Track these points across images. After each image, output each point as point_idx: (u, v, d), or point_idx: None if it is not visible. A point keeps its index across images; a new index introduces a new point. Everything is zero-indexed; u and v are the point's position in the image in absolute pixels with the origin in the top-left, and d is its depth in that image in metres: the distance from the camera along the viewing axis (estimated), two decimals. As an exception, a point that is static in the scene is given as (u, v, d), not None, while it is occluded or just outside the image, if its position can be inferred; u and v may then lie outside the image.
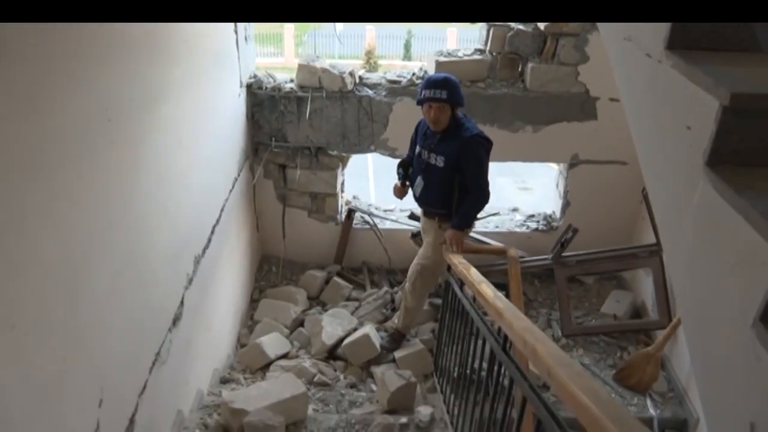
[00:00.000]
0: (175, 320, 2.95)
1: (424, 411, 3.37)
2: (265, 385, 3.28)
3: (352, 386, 3.84)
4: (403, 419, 3.32)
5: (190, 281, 3.18)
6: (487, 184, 3.54)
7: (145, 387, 2.57)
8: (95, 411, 2.12)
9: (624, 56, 1.70)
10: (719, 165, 1.24)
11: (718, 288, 1.23)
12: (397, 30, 22.70)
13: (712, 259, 1.25)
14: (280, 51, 21.53)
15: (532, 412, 1.69)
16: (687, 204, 1.34)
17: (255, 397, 3.13)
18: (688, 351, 1.40)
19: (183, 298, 3.05)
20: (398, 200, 4.06)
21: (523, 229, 5.12)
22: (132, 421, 2.44)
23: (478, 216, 3.86)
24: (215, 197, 3.70)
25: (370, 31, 20.83)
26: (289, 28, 21.55)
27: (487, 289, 2.15)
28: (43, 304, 1.74)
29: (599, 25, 2.00)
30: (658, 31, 1.45)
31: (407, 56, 21.89)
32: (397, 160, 3.98)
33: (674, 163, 1.40)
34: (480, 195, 3.52)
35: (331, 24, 24.33)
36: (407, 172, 3.80)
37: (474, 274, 2.57)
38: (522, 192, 10.77)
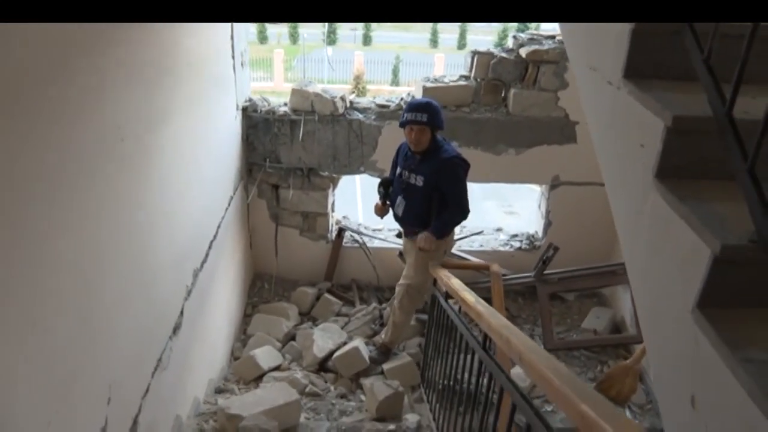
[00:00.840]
0: (176, 329, 3.10)
1: (411, 418, 3.53)
2: (260, 393, 3.43)
3: (342, 396, 3.99)
4: (391, 426, 3.46)
5: (189, 293, 3.33)
6: (466, 202, 3.73)
7: (147, 390, 2.71)
8: (104, 408, 2.26)
9: (589, 83, 1.92)
10: (666, 178, 1.45)
11: (667, 283, 1.42)
12: (386, 55, 23.15)
13: (663, 258, 1.45)
14: (270, 75, 21.87)
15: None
16: (641, 212, 1.54)
17: (250, 403, 3.27)
18: (645, 341, 1.59)
19: (183, 309, 3.21)
20: (381, 219, 4.24)
21: (507, 248, 5.32)
22: (135, 421, 2.57)
23: (462, 233, 4.05)
24: (213, 214, 3.87)
25: (359, 56, 21.22)
26: (278, 53, 21.92)
27: (468, 295, 2.34)
28: (61, 306, 1.90)
29: (569, 55, 2.22)
30: (617, 61, 1.67)
31: (395, 81, 22.31)
32: (385, 181, 4.17)
33: (631, 177, 1.61)
34: (459, 211, 3.72)
35: (321, 49, 24.75)
36: (387, 191, 3.97)
37: (456, 283, 2.76)
38: (508, 216, 10.98)
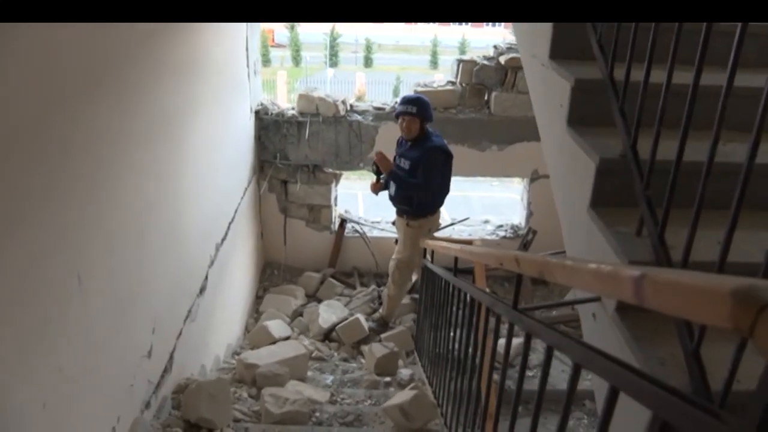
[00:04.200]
0: (202, 290, 3.65)
1: (405, 372, 4.06)
2: (272, 348, 3.97)
3: (345, 360, 4.52)
4: (387, 378, 3.99)
5: (212, 262, 3.89)
6: (432, 184, 4.22)
7: (180, 333, 3.25)
8: (150, 336, 2.81)
9: (531, 66, 2.51)
10: (574, 125, 2.02)
11: (574, 193, 1.99)
12: (386, 76, 23.85)
13: (572, 177, 2.01)
14: (274, 96, 22.56)
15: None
16: (561, 147, 2.11)
17: (264, 355, 3.81)
18: (563, 234, 2.16)
19: (207, 274, 3.76)
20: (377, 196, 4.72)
21: (493, 236, 5.88)
22: (171, 356, 3.12)
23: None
24: (231, 199, 4.45)
25: (360, 77, 21.95)
26: (281, 74, 22.66)
27: (444, 242, 2.89)
28: (124, 239, 2.46)
29: (519, 48, 2.82)
30: (545, 48, 2.25)
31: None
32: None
33: (555, 127, 2.18)
34: (422, 185, 4.19)
35: (323, 71, 25.50)
36: (378, 169, 4.42)
37: (435, 242, 3.32)
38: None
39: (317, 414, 3.24)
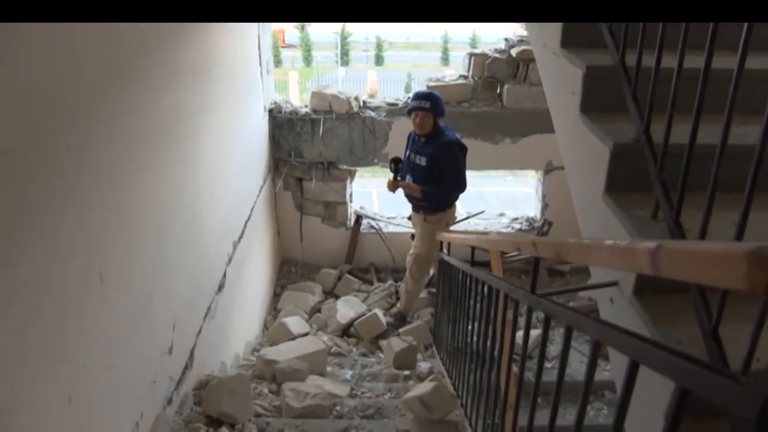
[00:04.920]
0: (220, 287, 3.69)
1: (424, 365, 4.07)
2: (292, 344, 4.00)
3: (363, 355, 4.54)
4: (407, 372, 4.01)
5: (230, 260, 3.93)
6: (462, 179, 4.28)
7: (200, 331, 3.29)
8: (170, 333, 2.85)
9: (542, 55, 2.51)
10: (586, 111, 2.02)
11: (589, 178, 1.99)
12: (398, 74, 23.85)
13: (586, 163, 2.01)
14: (286, 96, 22.63)
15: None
16: (574, 134, 2.11)
17: (284, 351, 3.84)
18: (579, 221, 2.17)
19: (225, 272, 3.80)
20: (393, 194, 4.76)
21: (509, 229, 5.87)
22: (192, 353, 3.15)
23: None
24: (247, 198, 4.49)
25: (372, 75, 21.98)
26: (293, 75, 22.74)
27: (459, 234, 2.90)
28: (143, 239, 2.50)
29: (530, 38, 2.82)
30: (557, 38, 2.25)
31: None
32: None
33: (568, 114, 2.19)
34: (455, 184, 4.25)
35: (334, 70, 25.56)
36: (397, 167, 4.46)
37: (452, 235, 3.33)
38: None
39: (338, 408, 3.26)
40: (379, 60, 31.19)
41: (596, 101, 2.02)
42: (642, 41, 1.67)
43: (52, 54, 1.72)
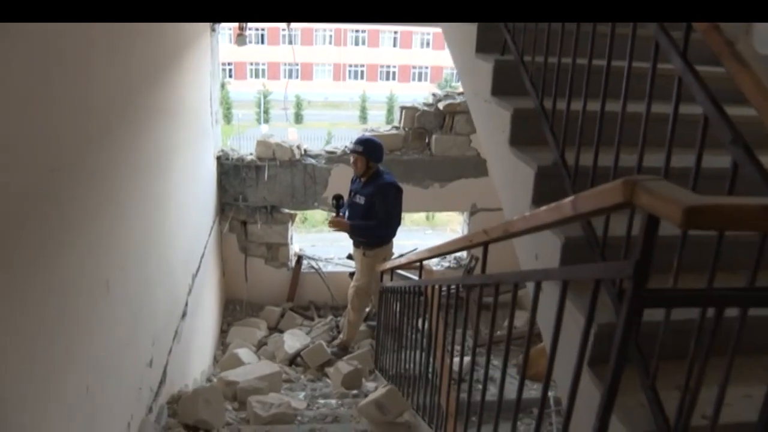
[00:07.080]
0: (184, 314, 3.98)
1: (370, 385, 4.46)
2: (249, 367, 4.30)
3: (311, 381, 4.87)
4: (355, 392, 4.37)
5: (190, 290, 4.23)
6: (392, 219, 4.81)
7: (170, 351, 3.57)
8: (151, 348, 3.14)
9: (475, 103, 3.09)
10: (515, 144, 2.59)
11: (517, 195, 2.52)
12: (318, 132, 24.47)
13: (515, 184, 2.56)
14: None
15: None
16: (504, 161, 2.67)
17: (242, 373, 4.14)
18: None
19: (187, 301, 4.10)
20: (339, 252, 5.25)
21: (439, 267, 6.41)
22: (165, 370, 3.42)
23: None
24: (201, 235, 4.82)
25: (293, 132, 22.38)
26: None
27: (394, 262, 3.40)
28: (126, 268, 2.82)
29: (463, 88, 3.42)
30: (487, 87, 2.84)
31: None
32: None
33: (499, 148, 2.74)
34: (383, 224, 4.77)
35: (255, 128, 25.94)
36: (338, 203, 4.90)
37: (393, 262, 3.85)
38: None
39: (299, 417, 3.59)
40: (298, 118, 31.75)
41: (522, 136, 2.59)
42: (556, 90, 2.26)
43: (67, 95, 2.10)
